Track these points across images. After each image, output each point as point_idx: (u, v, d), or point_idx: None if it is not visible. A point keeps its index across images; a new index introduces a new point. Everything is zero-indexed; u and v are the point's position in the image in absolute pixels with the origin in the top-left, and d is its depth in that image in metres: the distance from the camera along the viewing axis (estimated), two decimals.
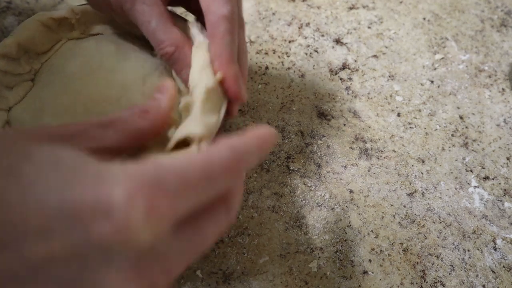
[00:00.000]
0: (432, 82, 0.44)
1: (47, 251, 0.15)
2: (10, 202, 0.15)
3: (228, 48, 0.27)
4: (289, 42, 0.45)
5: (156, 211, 0.16)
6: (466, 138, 0.41)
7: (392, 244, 0.35)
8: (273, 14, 0.47)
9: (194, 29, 0.30)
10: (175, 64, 0.29)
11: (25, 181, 0.15)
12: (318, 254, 0.34)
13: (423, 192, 0.38)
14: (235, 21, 0.27)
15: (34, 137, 0.19)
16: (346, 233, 0.35)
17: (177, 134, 0.25)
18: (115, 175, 0.16)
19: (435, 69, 0.45)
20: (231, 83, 0.27)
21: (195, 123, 0.25)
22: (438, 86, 0.44)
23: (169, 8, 0.32)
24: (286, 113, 0.40)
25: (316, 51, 0.45)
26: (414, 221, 0.36)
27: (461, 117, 0.42)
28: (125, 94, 0.31)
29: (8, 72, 0.31)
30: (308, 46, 0.45)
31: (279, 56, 0.44)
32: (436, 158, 0.39)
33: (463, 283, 0.34)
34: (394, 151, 0.39)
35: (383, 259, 0.34)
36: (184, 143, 0.25)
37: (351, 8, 0.49)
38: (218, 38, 0.27)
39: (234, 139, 0.21)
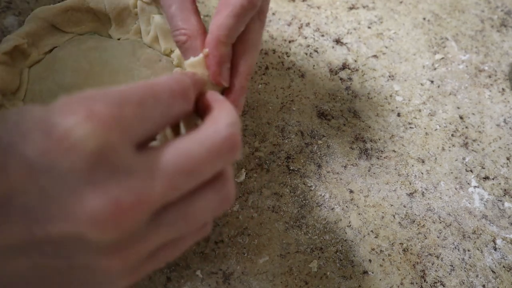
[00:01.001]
0: (432, 82, 0.44)
1: (5, 185, 0.16)
2: None
3: (227, 30, 0.26)
4: (289, 42, 0.45)
5: (96, 116, 0.16)
6: (466, 138, 0.41)
7: (392, 244, 0.35)
8: (273, 14, 0.47)
9: None
10: (183, 53, 0.29)
11: None
12: (318, 254, 0.34)
13: (423, 192, 0.38)
14: (249, 10, 0.26)
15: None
16: (346, 233, 0.35)
17: None
18: (56, 104, 0.17)
19: (435, 69, 0.45)
20: (212, 63, 0.26)
21: None
22: (438, 86, 0.44)
23: None
24: (286, 113, 0.40)
25: (316, 51, 0.45)
26: (414, 221, 0.36)
27: (461, 117, 0.42)
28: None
29: None
30: (308, 46, 0.45)
31: (279, 56, 0.44)
32: (436, 158, 0.39)
33: (463, 283, 0.34)
34: (394, 151, 0.40)
35: (383, 259, 0.34)
36: None
37: (351, 8, 0.49)
38: (222, 16, 0.26)
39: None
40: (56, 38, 0.34)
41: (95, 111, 0.16)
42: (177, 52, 0.33)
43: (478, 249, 0.35)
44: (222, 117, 0.21)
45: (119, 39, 0.34)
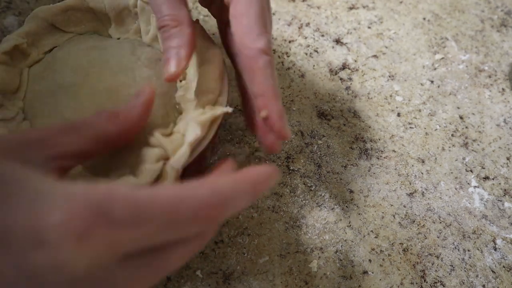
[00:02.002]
0: (432, 82, 0.44)
1: None
2: None
3: (271, 83, 0.25)
4: (289, 42, 0.45)
5: (91, 239, 0.15)
6: (466, 138, 0.41)
7: (392, 244, 0.35)
8: (273, 14, 0.47)
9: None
10: (169, 39, 0.26)
11: None
12: (318, 254, 0.34)
13: (423, 192, 0.38)
14: (272, 52, 0.26)
15: None
16: (346, 233, 0.35)
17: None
18: (57, 197, 0.15)
19: (435, 69, 0.45)
20: (275, 121, 0.25)
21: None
22: (438, 86, 0.44)
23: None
24: (286, 113, 0.40)
25: (316, 51, 0.45)
26: (414, 221, 0.36)
27: (461, 117, 0.42)
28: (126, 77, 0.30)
29: (2, 120, 0.30)
30: (308, 46, 0.45)
31: (279, 56, 0.44)
32: (436, 158, 0.39)
33: (463, 283, 0.34)
34: (394, 151, 0.39)
35: (383, 259, 0.34)
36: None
37: (351, 8, 0.49)
38: (259, 74, 0.25)
39: (221, 179, 0.19)
40: (56, 38, 0.34)
41: (92, 234, 0.15)
42: None
43: (478, 249, 0.35)
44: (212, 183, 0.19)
45: (119, 39, 0.34)
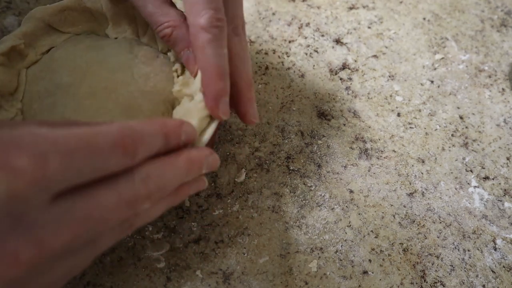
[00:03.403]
0: (432, 82, 0.44)
1: None
2: None
3: (211, 62, 0.25)
4: (289, 42, 0.45)
5: (14, 168, 0.15)
6: (466, 138, 0.41)
7: (392, 244, 0.35)
8: (273, 14, 0.47)
9: None
10: (174, 46, 0.28)
11: None
12: (318, 254, 0.34)
13: (423, 192, 0.38)
14: (218, 29, 0.25)
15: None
16: (346, 233, 0.35)
17: None
18: None
19: (435, 69, 0.45)
20: (209, 99, 0.26)
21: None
22: (438, 86, 0.44)
23: None
24: (286, 113, 0.40)
25: (316, 51, 0.45)
26: (414, 221, 0.36)
27: (461, 117, 0.42)
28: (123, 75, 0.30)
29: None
30: (308, 46, 0.45)
31: (279, 56, 0.44)
32: (436, 158, 0.39)
33: (463, 283, 0.34)
34: (394, 151, 0.40)
35: (383, 259, 0.34)
36: None
37: (351, 8, 0.49)
38: (199, 52, 0.25)
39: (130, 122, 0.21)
40: (53, 38, 0.34)
41: (12, 164, 0.16)
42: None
43: (478, 249, 0.35)
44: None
45: (116, 38, 0.34)
